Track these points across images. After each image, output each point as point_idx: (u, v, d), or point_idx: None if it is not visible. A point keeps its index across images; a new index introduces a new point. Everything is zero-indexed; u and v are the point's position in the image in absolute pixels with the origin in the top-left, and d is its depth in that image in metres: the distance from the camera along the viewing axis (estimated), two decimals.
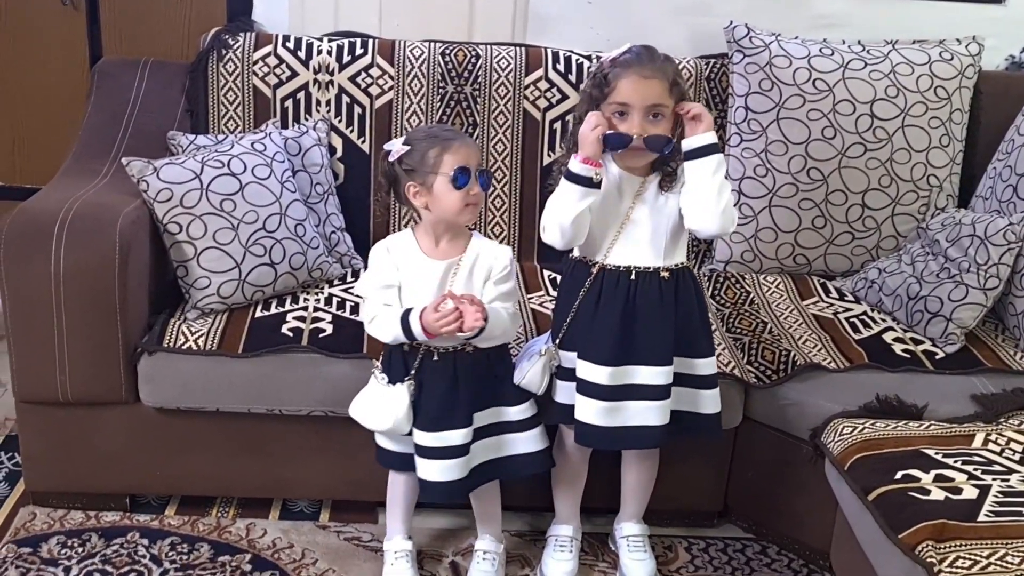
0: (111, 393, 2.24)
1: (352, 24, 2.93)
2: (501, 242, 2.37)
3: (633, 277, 2.01)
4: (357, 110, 2.73)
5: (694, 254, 2.83)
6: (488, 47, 2.79)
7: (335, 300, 2.44)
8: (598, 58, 2.53)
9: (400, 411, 1.98)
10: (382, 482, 2.20)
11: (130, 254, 2.18)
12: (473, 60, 2.75)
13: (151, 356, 2.21)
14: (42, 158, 3.27)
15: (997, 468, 1.87)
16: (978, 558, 1.63)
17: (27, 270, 2.13)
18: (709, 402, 2.09)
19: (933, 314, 2.38)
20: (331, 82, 2.72)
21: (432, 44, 2.77)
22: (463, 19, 3.07)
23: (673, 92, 1.94)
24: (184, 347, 2.22)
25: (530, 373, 2.04)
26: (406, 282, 2.00)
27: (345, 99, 2.72)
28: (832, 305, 2.59)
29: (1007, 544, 1.66)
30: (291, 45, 2.72)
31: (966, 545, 1.65)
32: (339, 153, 2.72)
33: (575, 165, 1.92)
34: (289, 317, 2.34)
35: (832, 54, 2.74)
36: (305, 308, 2.39)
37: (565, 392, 2.07)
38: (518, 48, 2.81)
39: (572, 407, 2.05)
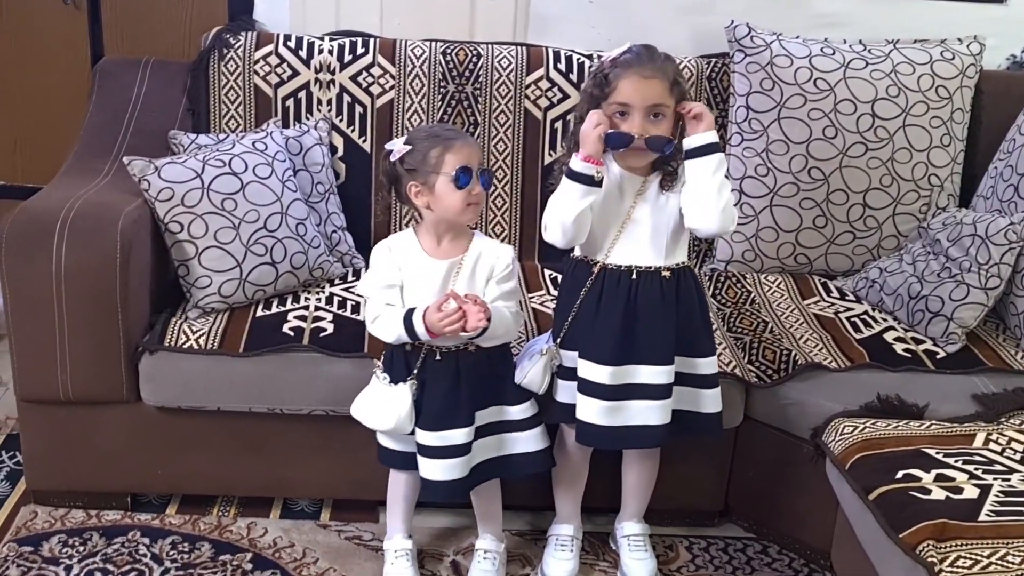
0: (112, 392, 2.24)
1: (353, 23, 2.93)
2: (502, 241, 2.37)
3: (634, 276, 2.01)
4: (358, 109, 2.73)
5: (695, 253, 2.83)
6: (489, 46, 2.79)
7: (336, 299, 2.44)
8: (599, 57, 2.53)
9: (402, 411, 1.98)
10: (383, 481, 2.20)
11: (131, 253, 2.18)
12: (474, 59, 2.75)
13: (152, 355, 2.22)
14: (43, 157, 3.27)
15: (998, 468, 1.87)
16: (979, 558, 1.63)
17: (28, 269, 2.14)
18: (710, 401, 2.09)
19: (934, 314, 2.38)
20: (332, 81, 2.72)
21: (433, 43, 2.77)
22: (464, 18, 3.07)
23: (674, 92, 1.94)
24: (185, 346, 2.22)
25: (531, 372, 2.05)
26: (408, 282, 2.00)
27: (346, 98, 2.72)
28: (833, 305, 2.59)
29: (1008, 544, 1.66)
30: (292, 44, 2.72)
31: (967, 545, 1.65)
32: (340, 152, 2.73)
33: (576, 163, 1.92)
34: (290, 316, 2.35)
35: (833, 53, 2.74)
36: (306, 307, 2.39)
37: (566, 391, 2.07)
38: (519, 47, 2.81)
39: (573, 406, 2.05)
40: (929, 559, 1.63)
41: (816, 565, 2.33)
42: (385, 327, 1.98)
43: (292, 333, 2.27)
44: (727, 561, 2.36)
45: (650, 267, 2.01)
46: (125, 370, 2.22)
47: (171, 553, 2.25)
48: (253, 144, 2.47)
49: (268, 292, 2.40)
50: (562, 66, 2.76)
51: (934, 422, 2.06)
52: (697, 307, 2.07)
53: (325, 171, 2.63)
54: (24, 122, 3.39)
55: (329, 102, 2.72)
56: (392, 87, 2.73)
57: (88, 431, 2.29)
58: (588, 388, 2.02)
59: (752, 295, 2.63)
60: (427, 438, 1.99)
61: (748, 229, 2.73)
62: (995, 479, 1.82)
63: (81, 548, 2.25)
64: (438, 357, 2.00)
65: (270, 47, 2.71)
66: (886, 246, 2.74)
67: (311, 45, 2.73)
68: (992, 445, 1.95)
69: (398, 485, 2.19)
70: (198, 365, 2.21)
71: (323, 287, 2.49)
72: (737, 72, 2.76)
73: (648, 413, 2.01)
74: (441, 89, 2.74)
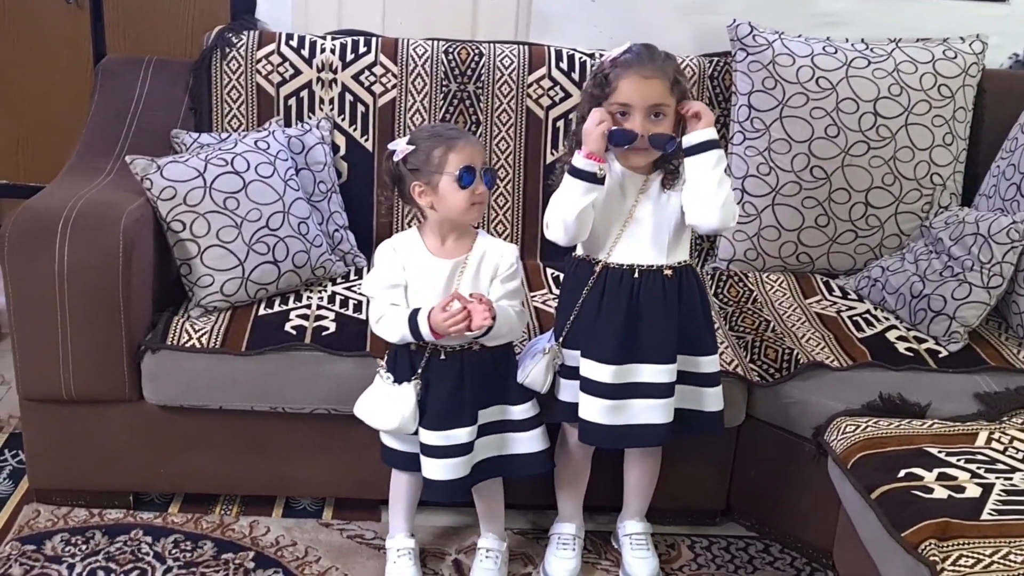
0: (115, 391, 2.24)
1: (355, 22, 2.93)
2: (504, 240, 2.37)
3: (636, 275, 2.01)
4: (360, 108, 2.73)
5: (697, 252, 2.83)
6: (491, 45, 2.79)
7: (338, 298, 2.44)
8: (601, 56, 2.53)
9: (406, 410, 1.98)
10: (385, 480, 2.20)
11: (134, 252, 2.18)
12: (476, 58, 2.75)
13: (155, 354, 2.22)
14: (46, 156, 3.27)
15: (1000, 467, 1.87)
16: (981, 557, 1.63)
17: (31, 268, 2.14)
18: (712, 400, 2.09)
19: (936, 312, 2.38)
20: (334, 80, 2.72)
21: (435, 42, 2.77)
22: (466, 17, 3.07)
23: (674, 91, 1.94)
24: (187, 345, 2.22)
25: (533, 372, 2.05)
26: (413, 281, 2.00)
27: (348, 97, 2.72)
28: (835, 303, 2.59)
29: (1010, 543, 1.66)
30: (294, 43, 2.72)
31: (969, 544, 1.65)
32: (342, 151, 2.73)
33: (579, 160, 1.92)
34: (292, 315, 2.35)
35: (835, 52, 2.74)
36: (308, 306, 2.39)
37: (568, 390, 2.08)
38: (521, 46, 2.81)
39: (575, 405, 2.05)
40: (931, 558, 1.63)
41: (818, 564, 2.33)
42: (389, 327, 1.98)
43: (294, 332, 2.28)
44: (729, 560, 2.36)
45: (652, 266, 2.01)
46: (127, 369, 2.23)
47: (173, 552, 2.25)
48: (255, 143, 2.48)
49: (270, 291, 2.40)
50: (564, 65, 2.76)
51: (936, 421, 2.06)
52: (699, 305, 2.07)
53: (327, 170, 2.63)
54: (26, 121, 3.39)
55: (331, 101, 2.72)
56: (394, 86, 2.73)
57: (90, 430, 2.29)
58: (590, 387, 2.02)
59: (754, 294, 2.63)
60: (431, 437, 1.99)
61: (750, 228, 2.73)
62: (997, 478, 1.82)
63: (83, 547, 2.25)
64: (442, 356, 2.00)
65: (272, 46, 2.71)
66: (888, 245, 2.74)
67: (313, 44, 2.73)
68: (994, 444, 1.95)
69: (400, 484, 2.19)
70: (200, 364, 2.21)
71: (325, 286, 2.49)
72: (739, 71, 2.76)
73: (651, 412, 2.01)
74: (443, 88, 2.74)
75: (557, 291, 2.41)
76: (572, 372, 2.06)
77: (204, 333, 2.25)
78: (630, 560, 2.25)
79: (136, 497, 2.40)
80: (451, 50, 2.76)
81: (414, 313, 1.94)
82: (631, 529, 2.27)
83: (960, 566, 1.61)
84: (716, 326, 2.20)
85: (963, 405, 2.16)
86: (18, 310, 2.18)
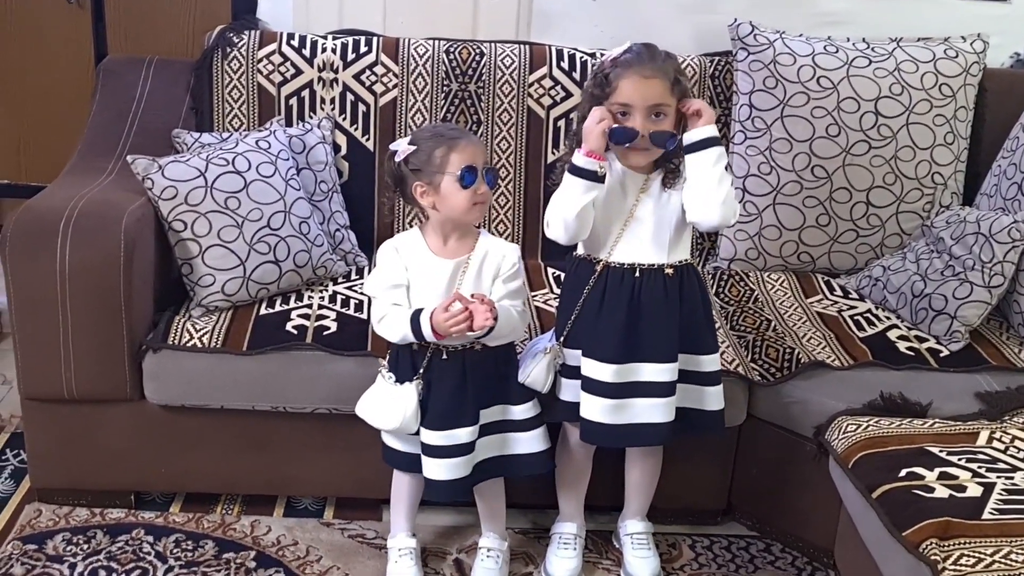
0: (116, 390, 2.25)
1: (356, 22, 2.94)
2: (506, 240, 2.37)
3: (637, 274, 2.01)
4: (361, 108, 2.73)
5: (698, 251, 2.83)
6: (492, 45, 2.79)
7: (339, 298, 2.44)
8: (602, 56, 2.53)
9: (408, 410, 1.98)
10: (386, 479, 2.20)
11: (135, 252, 2.18)
12: (477, 58, 2.75)
13: (156, 354, 2.22)
14: (47, 156, 3.27)
15: (1001, 466, 1.87)
16: (982, 556, 1.63)
17: (32, 268, 2.14)
18: (713, 399, 2.09)
19: (937, 312, 2.38)
20: (335, 80, 2.72)
21: (436, 42, 2.77)
22: (467, 17, 3.07)
23: (675, 90, 1.94)
24: (189, 344, 2.22)
25: (534, 371, 2.05)
26: (415, 281, 2.00)
27: (349, 97, 2.73)
28: (836, 303, 2.59)
29: (1011, 542, 1.66)
30: (295, 43, 2.72)
31: (970, 543, 1.65)
32: (343, 151, 2.73)
33: (579, 159, 1.92)
34: (293, 315, 2.35)
35: (836, 51, 2.74)
36: (309, 306, 2.39)
37: (570, 390, 2.08)
38: (522, 46, 2.81)
39: (577, 405, 2.05)
40: (932, 557, 1.63)
41: (819, 563, 2.33)
42: (391, 327, 1.98)
43: (295, 331, 2.28)
44: (730, 559, 2.36)
45: (653, 265, 2.01)
46: (129, 368, 2.23)
47: (175, 551, 2.26)
48: (256, 143, 2.48)
49: (271, 290, 2.40)
50: (565, 64, 2.76)
51: (937, 420, 2.06)
52: (700, 304, 2.07)
53: (328, 169, 2.63)
54: (28, 121, 3.39)
55: (332, 101, 2.72)
56: (395, 86, 2.73)
57: (92, 429, 2.29)
58: (592, 386, 2.02)
59: (755, 293, 2.63)
60: (432, 437, 1.99)
61: (751, 227, 2.73)
62: (998, 477, 1.82)
63: (85, 546, 2.25)
64: (444, 356, 2.00)
65: (273, 46, 2.71)
66: (889, 244, 2.74)
67: (314, 44, 2.73)
68: (995, 443, 1.95)
69: (402, 484, 2.19)
70: (202, 363, 2.22)
71: (326, 285, 2.50)
72: (740, 70, 2.76)
73: (652, 411, 2.01)
74: (444, 88, 2.75)
75: (558, 290, 2.41)
76: (573, 371, 2.06)
77: (205, 333, 2.26)
78: (631, 559, 2.25)
79: (137, 496, 2.40)
80: (452, 50, 2.76)
81: (416, 313, 1.94)
82: (632, 528, 2.28)
83: (961, 565, 1.61)
84: (717, 325, 2.20)
85: (964, 404, 2.16)
86: (19, 310, 2.18)
